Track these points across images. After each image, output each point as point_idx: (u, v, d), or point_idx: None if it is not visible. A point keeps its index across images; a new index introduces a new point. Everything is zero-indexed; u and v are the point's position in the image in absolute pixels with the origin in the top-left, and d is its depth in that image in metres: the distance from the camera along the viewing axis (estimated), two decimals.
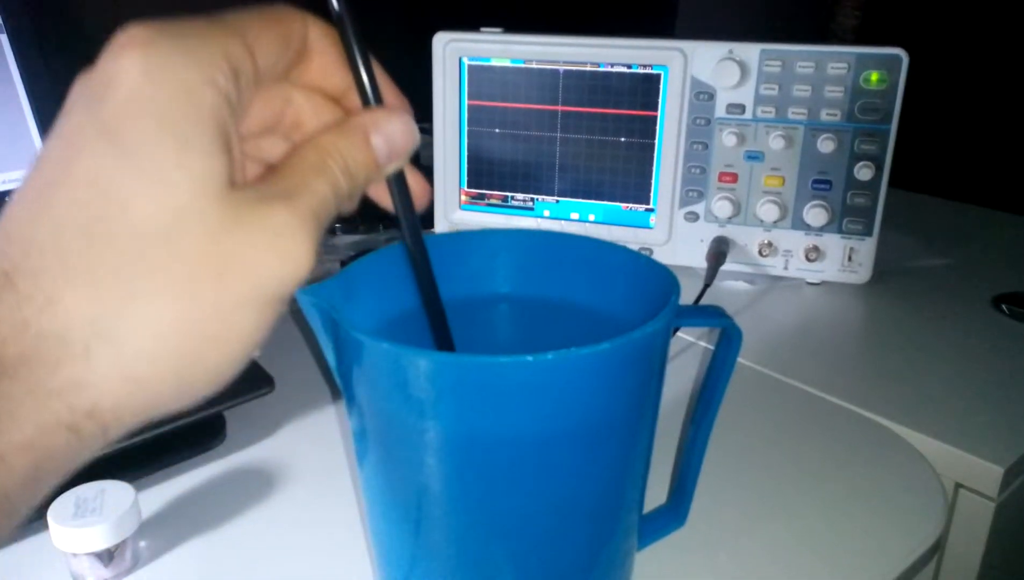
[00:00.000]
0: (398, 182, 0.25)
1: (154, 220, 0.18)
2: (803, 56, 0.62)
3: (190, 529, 0.40)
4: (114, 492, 0.37)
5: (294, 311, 0.61)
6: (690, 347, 0.58)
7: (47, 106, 0.57)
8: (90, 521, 0.35)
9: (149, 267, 0.18)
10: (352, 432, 0.31)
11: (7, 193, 0.56)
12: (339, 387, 0.30)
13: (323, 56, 0.24)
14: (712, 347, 0.57)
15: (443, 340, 0.29)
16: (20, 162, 0.57)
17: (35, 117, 0.57)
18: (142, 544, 0.39)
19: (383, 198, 0.26)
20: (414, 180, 0.26)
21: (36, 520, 0.38)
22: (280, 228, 0.20)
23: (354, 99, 0.24)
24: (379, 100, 0.24)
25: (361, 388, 0.28)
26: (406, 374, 0.26)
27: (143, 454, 0.42)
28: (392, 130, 0.23)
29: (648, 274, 0.32)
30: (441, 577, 0.30)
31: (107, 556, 0.36)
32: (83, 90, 0.19)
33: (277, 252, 0.20)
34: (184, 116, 0.19)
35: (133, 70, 0.18)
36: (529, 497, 0.28)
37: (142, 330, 0.18)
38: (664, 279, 0.31)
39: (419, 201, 0.26)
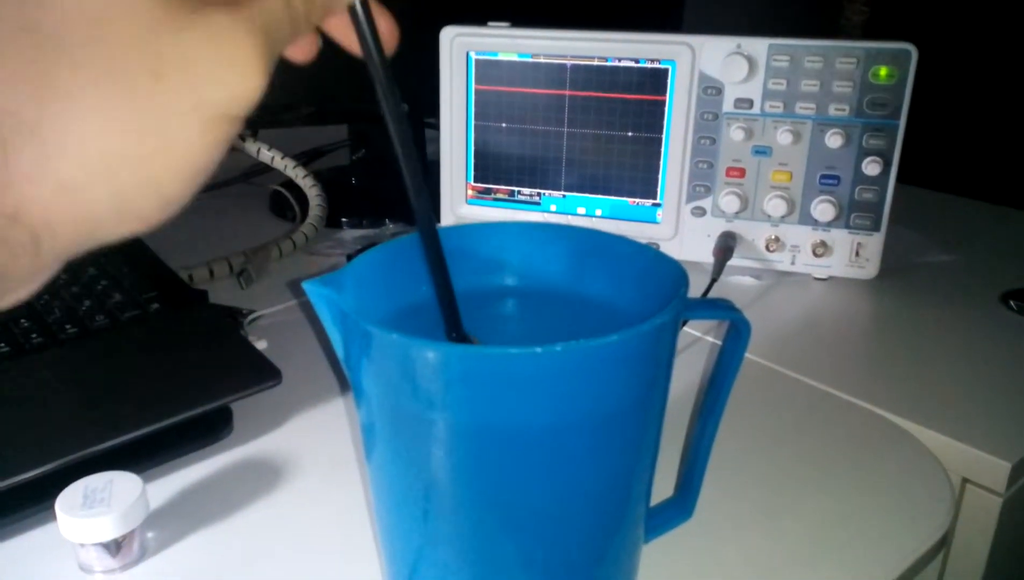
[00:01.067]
0: (364, 11, 0.23)
1: (78, 12, 0.17)
2: (812, 51, 0.61)
3: (197, 520, 0.40)
4: (122, 483, 0.37)
5: (303, 303, 0.61)
6: (696, 342, 0.58)
7: None
8: (98, 512, 0.36)
9: (74, 60, 0.17)
10: (360, 424, 0.31)
11: None
12: (348, 379, 0.30)
13: None
14: (718, 342, 0.57)
15: (433, 253, 0.28)
16: None
17: None
18: (150, 535, 0.39)
19: (346, 36, 0.24)
20: (381, 18, 0.24)
21: (45, 511, 0.38)
22: (222, 33, 0.18)
23: None
24: None
25: (370, 379, 0.28)
26: (415, 365, 0.26)
27: (151, 446, 0.42)
28: None
29: (656, 267, 0.32)
30: (448, 568, 0.30)
31: (115, 547, 0.37)
32: None
33: (220, 59, 0.18)
34: None
35: None
36: (537, 488, 0.28)
37: (68, 128, 0.17)
38: (672, 271, 0.31)
39: (387, 41, 0.24)
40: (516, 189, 0.71)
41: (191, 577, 0.37)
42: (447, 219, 0.73)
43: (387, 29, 0.24)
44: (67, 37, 0.17)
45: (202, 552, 0.38)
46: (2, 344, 0.47)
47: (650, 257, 0.33)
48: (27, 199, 0.17)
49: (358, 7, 0.23)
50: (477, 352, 0.26)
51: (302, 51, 0.24)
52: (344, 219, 0.79)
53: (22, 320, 0.49)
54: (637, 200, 0.68)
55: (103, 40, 0.17)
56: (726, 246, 0.65)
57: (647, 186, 0.67)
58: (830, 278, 0.66)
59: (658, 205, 0.68)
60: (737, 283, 0.66)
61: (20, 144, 0.17)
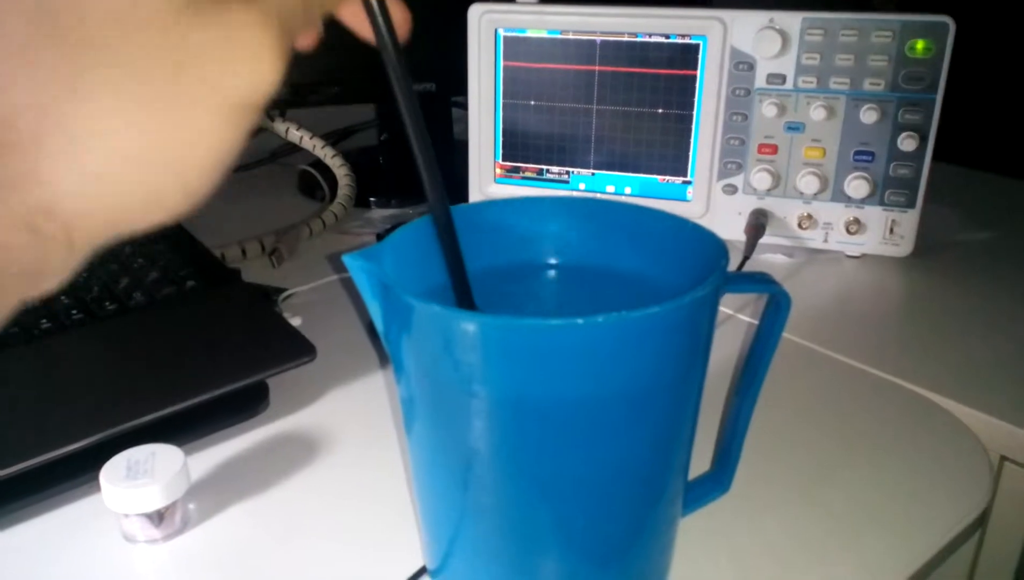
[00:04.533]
0: None
1: (101, 8, 0.18)
2: (846, 24, 0.60)
3: (237, 493, 0.41)
4: (164, 455, 0.38)
5: (335, 281, 0.62)
6: (728, 320, 0.57)
7: None
8: (142, 483, 0.36)
9: (99, 57, 0.18)
10: (400, 398, 0.31)
11: None
12: (387, 353, 0.31)
13: None
14: (749, 319, 0.57)
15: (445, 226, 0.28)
16: None
17: None
18: (191, 506, 0.40)
19: (358, 22, 0.24)
20: (394, 5, 0.24)
21: (89, 482, 0.39)
22: (239, 26, 0.19)
23: None
24: None
25: (410, 352, 0.29)
26: (456, 337, 0.26)
27: (189, 420, 0.43)
28: None
29: (695, 240, 0.32)
30: (487, 540, 0.31)
31: (157, 517, 0.37)
32: None
33: (237, 52, 0.19)
34: None
35: None
36: (577, 460, 0.28)
37: (96, 123, 0.18)
38: (712, 245, 0.31)
39: (400, 28, 0.24)
40: (545, 167, 0.71)
41: (232, 547, 0.37)
42: (475, 198, 0.73)
43: (400, 16, 0.24)
44: (91, 37, 0.18)
45: (243, 523, 0.39)
46: (44, 320, 0.47)
47: (688, 230, 0.33)
48: (59, 193, 0.18)
49: None
50: (518, 323, 0.26)
51: (306, 38, 0.24)
52: (372, 199, 0.79)
53: (62, 297, 0.50)
54: (667, 178, 0.67)
55: (126, 38, 0.18)
56: (758, 224, 0.64)
57: (677, 163, 0.67)
58: (863, 256, 0.66)
59: (688, 183, 0.67)
60: (769, 261, 0.66)
61: (51, 140, 0.17)
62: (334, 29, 0.25)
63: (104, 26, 0.18)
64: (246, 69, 0.19)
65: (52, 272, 0.19)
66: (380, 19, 0.23)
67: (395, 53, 0.24)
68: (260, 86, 0.19)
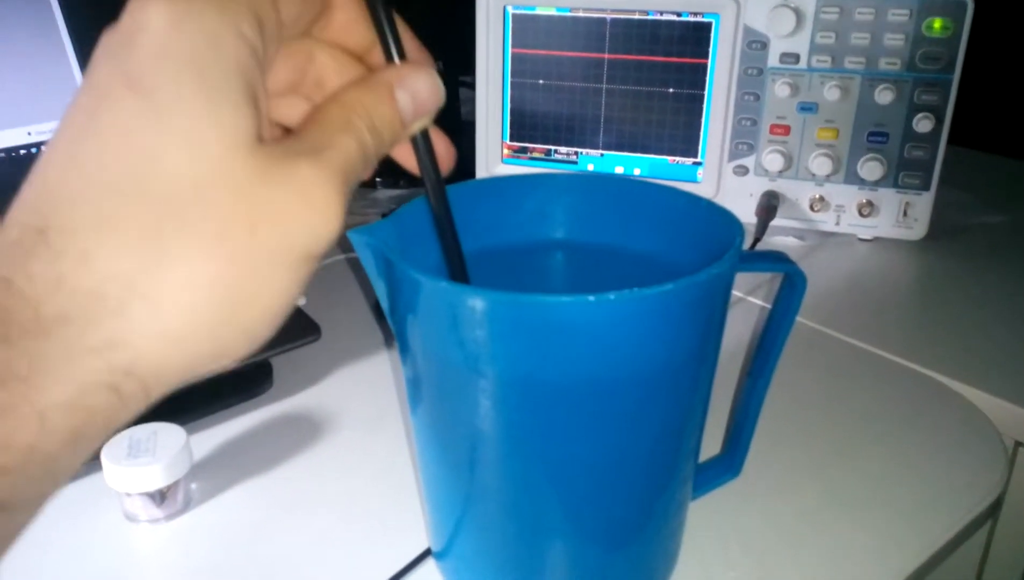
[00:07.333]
0: (424, 141, 0.25)
1: (185, 174, 0.18)
2: (862, 2, 0.59)
3: (240, 472, 0.40)
4: (166, 434, 0.37)
5: (349, 259, 0.61)
6: (740, 302, 0.57)
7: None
8: (144, 462, 0.36)
9: (182, 222, 0.18)
10: (405, 378, 0.31)
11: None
12: (392, 331, 0.30)
13: (345, 11, 0.24)
14: (763, 302, 0.56)
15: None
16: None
17: (80, 67, 0.57)
18: (193, 486, 0.39)
19: (408, 159, 0.26)
20: (439, 140, 0.25)
21: (90, 460, 0.39)
22: (307, 184, 0.20)
23: (377, 56, 0.24)
24: (402, 55, 0.23)
25: (416, 330, 0.28)
26: (464, 313, 0.26)
27: (192, 399, 0.43)
28: (417, 86, 0.23)
29: (709, 218, 0.31)
30: (493, 522, 0.30)
31: (159, 496, 0.37)
32: (109, 42, 0.19)
33: (305, 208, 0.20)
34: (212, 67, 0.18)
35: (159, 20, 0.18)
36: (586, 442, 0.27)
37: (177, 286, 0.18)
38: (726, 222, 0.30)
39: (444, 162, 0.26)
40: (553, 148, 0.70)
41: (234, 527, 0.37)
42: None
43: (444, 150, 0.26)
44: (175, 200, 0.18)
45: (245, 503, 0.38)
46: None
47: (702, 208, 0.32)
48: (140, 355, 0.18)
49: (419, 138, 0.24)
50: (528, 300, 0.25)
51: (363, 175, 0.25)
52: (378, 179, 0.78)
53: None
54: (677, 158, 0.66)
55: (206, 201, 0.18)
56: (769, 206, 0.63)
57: (688, 144, 0.66)
58: (876, 239, 0.65)
59: (699, 164, 0.66)
60: (780, 243, 0.65)
61: (136, 303, 0.18)
62: None
63: (188, 191, 0.18)
64: (314, 223, 0.20)
65: (122, 422, 0.20)
66: (425, 156, 0.25)
67: (436, 185, 0.26)
68: (326, 238, 0.20)
